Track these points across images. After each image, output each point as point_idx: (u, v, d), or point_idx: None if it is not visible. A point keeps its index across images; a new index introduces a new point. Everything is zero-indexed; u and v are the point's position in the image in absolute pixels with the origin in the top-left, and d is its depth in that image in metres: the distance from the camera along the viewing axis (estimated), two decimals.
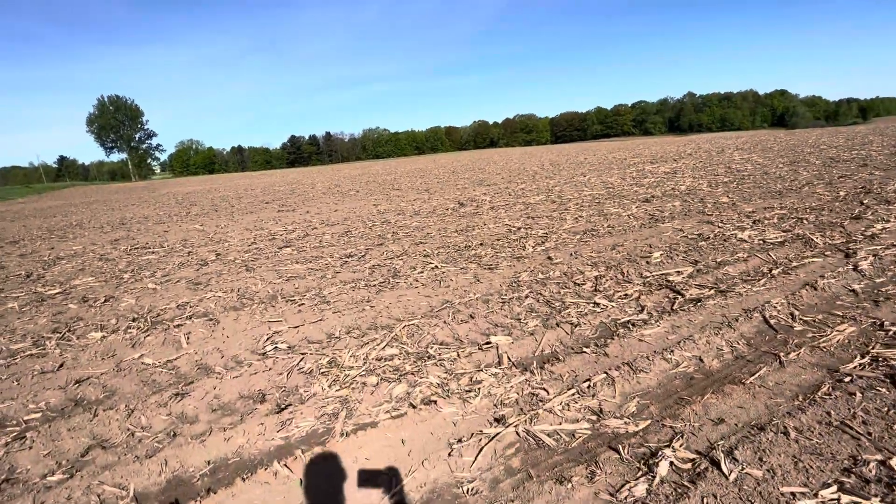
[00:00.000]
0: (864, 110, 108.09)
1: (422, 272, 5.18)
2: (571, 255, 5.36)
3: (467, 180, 18.77)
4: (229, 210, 14.46)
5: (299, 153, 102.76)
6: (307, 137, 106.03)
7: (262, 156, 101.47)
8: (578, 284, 4.25)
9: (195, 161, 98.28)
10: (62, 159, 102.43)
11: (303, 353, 3.19)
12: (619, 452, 2.05)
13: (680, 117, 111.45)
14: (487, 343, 3.15)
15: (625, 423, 2.25)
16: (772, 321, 3.21)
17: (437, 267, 5.35)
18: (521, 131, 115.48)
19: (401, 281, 4.87)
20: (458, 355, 2.97)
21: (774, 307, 3.38)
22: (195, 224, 11.66)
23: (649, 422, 2.26)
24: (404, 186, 18.17)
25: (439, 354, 3.00)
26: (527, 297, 4.03)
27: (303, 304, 4.34)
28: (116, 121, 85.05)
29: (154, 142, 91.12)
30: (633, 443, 2.12)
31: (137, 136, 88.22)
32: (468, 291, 4.34)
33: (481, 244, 6.37)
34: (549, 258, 5.30)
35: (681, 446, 2.05)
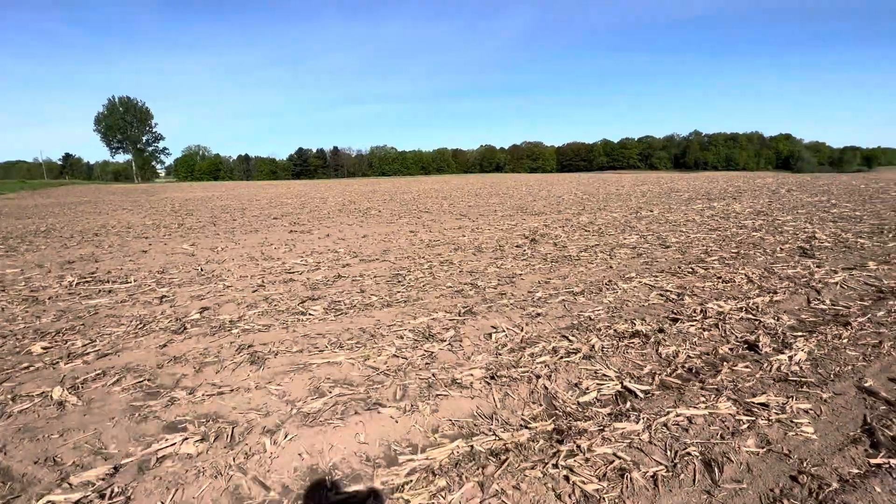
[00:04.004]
0: (869, 159, 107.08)
1: (612, 407, 2.50)
2: None
3: (500, 205, 16.32)
4: (230, 226, 11.82)
5: (305, 166, 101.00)
6: (314, 150, 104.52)
7: (268, 166, 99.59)
8: None
9: (200, 167, 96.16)
10: (67, 156, 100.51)
11: None
12: None
13: (686, 154, 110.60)
14: None
15: None
16: None
17: (632, 393, 2.67)
18: (528, 158, 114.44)
19: (584, 443, 2.18)
20: None
21: None
22: (185, 243, 9.00)
23: None
24: (433, 209, 15.65)
25: None
26: None
27: None
28: (125, 122, 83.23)
29: (161, 145, 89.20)
30: None
31: (145, 138, 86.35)
32: None
33: (659, 331, 3.69)
34: (877, 396, 2.62)
35: None
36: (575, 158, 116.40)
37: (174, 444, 2.24)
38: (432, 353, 3.33)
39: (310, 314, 4.29)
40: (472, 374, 2.91)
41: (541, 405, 2.60)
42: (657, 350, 3.31)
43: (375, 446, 2.21)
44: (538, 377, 2.87)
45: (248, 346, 3.49)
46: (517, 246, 7.98)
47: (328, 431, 2.30)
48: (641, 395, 2.65)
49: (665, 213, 12.71)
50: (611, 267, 6.12)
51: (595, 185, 30.09)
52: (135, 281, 5.80)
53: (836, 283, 4.99)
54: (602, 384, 2.80)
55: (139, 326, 4.04)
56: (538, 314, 4.17)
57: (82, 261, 7.37)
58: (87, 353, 3.45)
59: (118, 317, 4.35)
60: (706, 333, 3.61)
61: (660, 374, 2.92)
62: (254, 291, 5.19)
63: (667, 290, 4.88)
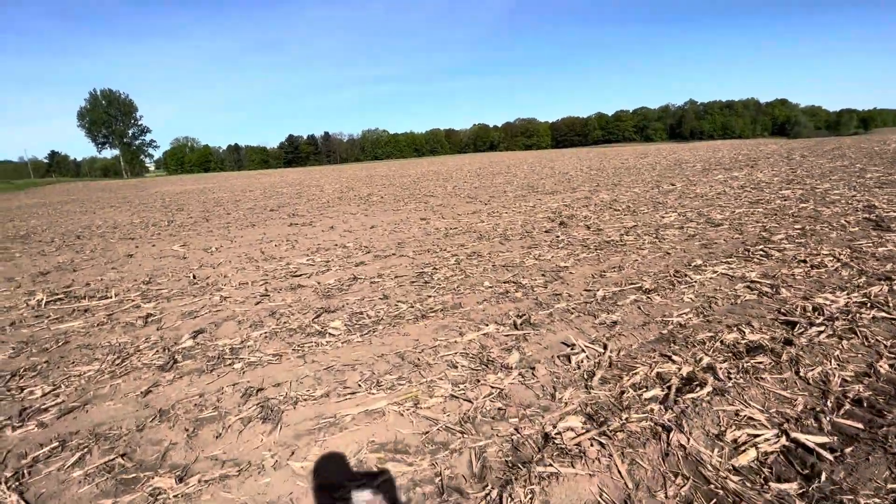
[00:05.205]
0: (866, 121, 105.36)
1: (800, 482, 1.71)
2: None
3: (508, 185, 15.37)
4: (224, 220, 10.90)
5: (297, 153, 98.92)
6: (305, 137, 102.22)
7: (258, 155, 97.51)
8: None
9: (190, 159, 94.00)
10: (53, 154, 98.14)
11: None
12: None
13: (681, 124, 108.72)
14: None
15: None
16: None
17: (808, 450, 1.88)
18: (522, 135, 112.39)
19: None
20: None
21: None
22: (175, 243, 8.12)
23: None
24: (438, 192, 14.71)
25: None
26: None
27: None
28: (109, 115, 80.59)
29: (148, 138, 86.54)
30: None
31: (131, 131, 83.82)
32: None
33: (786, 342, 2.88)
34: None
35: None
36: (570, 133, 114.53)
37: None
38: (501, 389, 2.53)
39: (329, 334, 3.46)
40: (570, 428, 2.11)
41: (686, 477, 1.81)
42: (797, 372, 2.51)
43: None
44: (665, 429, 2.06)
45: (257, 390, 2.67)
46: (546, 231, 7.14)
47: None
48: (827, 455, 1.85)
49: (689, 187, 11.82)
50: (667, 253, 5.30)
51: (597, 159, 29.01)
52: (116, 295, 4.95)
53: None
54: (757, 435, 2.01)
55: (117, 362, 3.21)
56: (614, 322, 3.35)
57: (59, 271, 6.50)
58: (47, 409, 2.63)
59: (93, 348, 3.52)
60: (845, 343, 2.81)
61: (827, 415, 2.12)
62: (257, 303, 4.35)
63: (754, 282, 4.07)
